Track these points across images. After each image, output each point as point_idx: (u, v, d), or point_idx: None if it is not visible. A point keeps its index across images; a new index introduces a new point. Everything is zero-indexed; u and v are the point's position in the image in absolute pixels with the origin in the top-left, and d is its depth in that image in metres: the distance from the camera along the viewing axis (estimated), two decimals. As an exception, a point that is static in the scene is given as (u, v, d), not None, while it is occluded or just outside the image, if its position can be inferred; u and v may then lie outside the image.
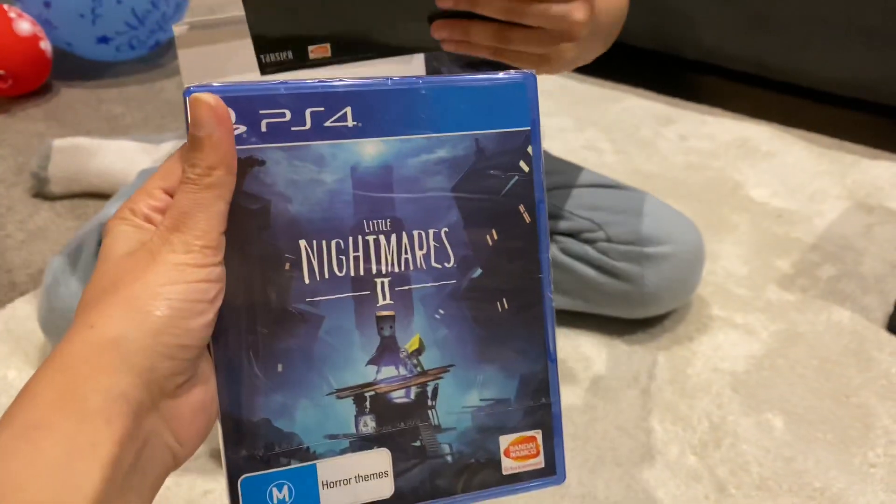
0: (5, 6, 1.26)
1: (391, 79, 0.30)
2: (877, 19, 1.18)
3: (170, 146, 1.06)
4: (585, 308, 0.84)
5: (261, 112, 0.28)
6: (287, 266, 0.29)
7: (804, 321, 0.88)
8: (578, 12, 0.51)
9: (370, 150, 0.30)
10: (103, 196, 1.06)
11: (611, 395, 0.77)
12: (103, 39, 1.33)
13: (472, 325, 0.31)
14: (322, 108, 0.29)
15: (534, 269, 0.32)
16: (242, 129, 0.28)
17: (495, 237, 0.32)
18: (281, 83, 0.29)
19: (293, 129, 0.29)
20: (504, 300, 0.32)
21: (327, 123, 0.29)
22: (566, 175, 0.88)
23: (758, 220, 1.06)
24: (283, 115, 0.29)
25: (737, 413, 0.75)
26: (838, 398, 0.77)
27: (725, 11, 1.30)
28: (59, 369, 0.25)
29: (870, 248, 1.01)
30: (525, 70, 0.32)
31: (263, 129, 0.28)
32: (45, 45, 1.29)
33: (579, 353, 0.82)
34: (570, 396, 0.77)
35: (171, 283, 0.26)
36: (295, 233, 0.29)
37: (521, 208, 0.32)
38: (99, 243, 0.74)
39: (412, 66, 0.77)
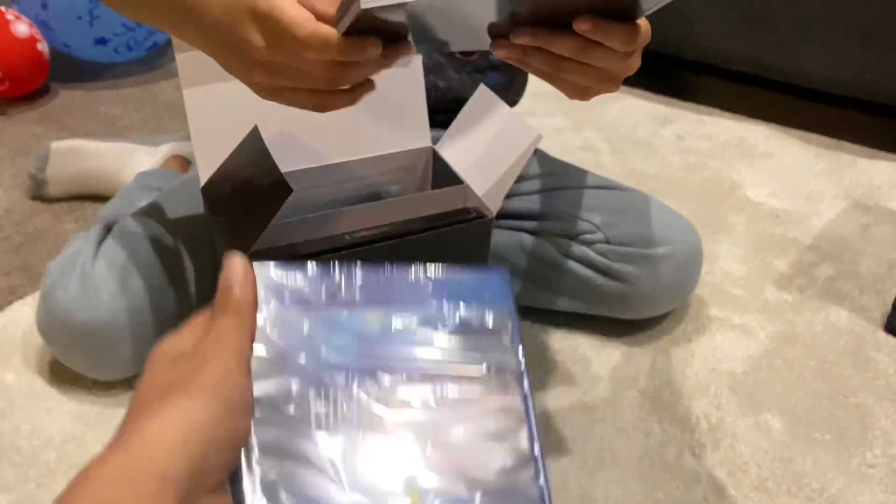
0: (2, 8, 1.25)
1: (395, 265, 0.37)
2: (874, 19, 1.19)
3: (168, 148, 1.06)
4: (584, 309, 0.84)
5: (284, 283, 0.35)
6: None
7: (802, 321, 0.88)
8: (636, 61, 0.53)
9: (374, 320, 0.36)
10: (102, 198, 1.06)
11: (609, 396, 0.77)
12: (101, 41, 1.33)
13: None
14: (336, 282, 0.36)
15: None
16: (272, 298, 0.35)
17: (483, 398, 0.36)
18: (306, 261, 0.36)
19: (311, 299, 0.35)
20: None
21: (341, 296, 0.36)
22: (564, 177, 0.88)
23: (755, 220, 1.06)
24: (303, 288, 0.36)
25: (735, 414, 0.75)
26: (836, 399, 0.78)
27: (723, 11, 1.30)
28: (124, 450, 0.27)
29: (867, 247, 1.01)
30: (501, 268, 0.39)
31: (286, 297, 0.35)
32: (43, 47, 1.29)
33: (578, 355, 0.82)
34: (569, 398, 0.77)
35: (224, 382, 0.30)
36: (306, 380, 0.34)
37: (507, 378, 0.36)
38: (98, 246, 0.74)
39: (411, 68, 0.77)
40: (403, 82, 0.77)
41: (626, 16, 0.49)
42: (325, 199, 0.78)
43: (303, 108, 0.51)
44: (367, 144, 0.77)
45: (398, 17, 0.45)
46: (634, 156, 1.22)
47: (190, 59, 0.68)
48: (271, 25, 0.46)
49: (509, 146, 0.71)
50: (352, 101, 0.52)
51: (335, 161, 0.76)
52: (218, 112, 0.71)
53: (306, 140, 0.75)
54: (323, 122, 0.75)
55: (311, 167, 0.75)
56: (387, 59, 0.48)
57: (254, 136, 0.65)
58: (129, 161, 1.05)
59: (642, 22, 0.50)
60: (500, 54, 0.52)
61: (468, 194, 0.72)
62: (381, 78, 0.76)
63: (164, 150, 1.05)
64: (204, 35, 0.52)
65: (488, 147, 0.73)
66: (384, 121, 0.77)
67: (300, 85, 0.49)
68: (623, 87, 1.45)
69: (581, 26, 0.47)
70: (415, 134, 0.78)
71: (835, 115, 1.38)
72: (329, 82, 0.48)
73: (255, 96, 0.72)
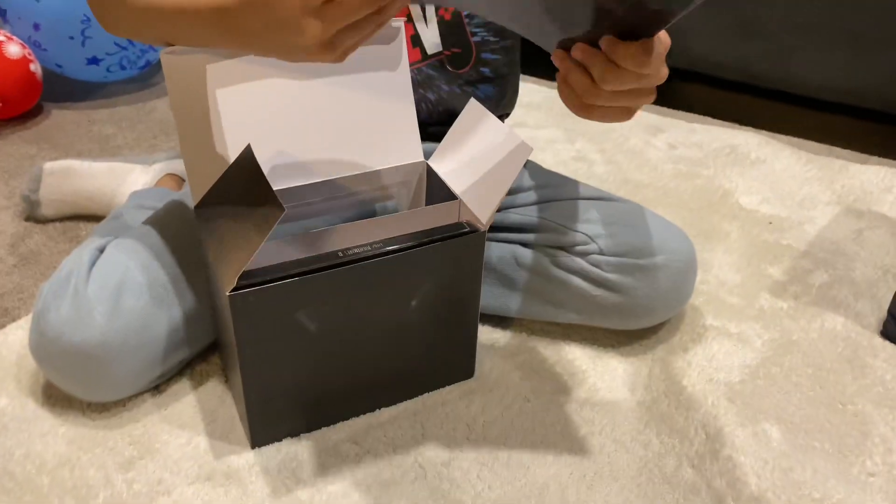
0: (-6, 30, 1.26)
1: None
2: (862, 24, 1.19)
3: (162, 166, 1.06)
4: (579, 320, 0.84)
5: None
6: None
7: (797, 329, 0.88)
8: (665, 69, 0.56)
9: None
10: (95, 218, 1.05)
11: (606, 408, 0.77)
12: (93, 60, 1.33)
13: None
14: None
15: None
16: None
17: None
18: None
19: None
20: None
21: None
22: (558, 188, 0.88)
23: (748, 227, 1.06)
24: None
25: (733, 424, 0.75)
26: (834, 406, 0.78)
27: (712, 20, 1.31)
28: None
29: (861, 253, 1.01)
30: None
31: None
32: (35, 68, 1.29)
33: (574, 367, 0.82)
34: (566, 410, 0.77)
35: None
36: None
37: None
38: (91, 267, 0.74)
39: (399, 83, 0.77)
40: (393, 97, 0.77)
41: (642, 33, 0.51)
42: (318, 215, 0.78)
43: (370, 37, 0.52)
44: (360, 160, 0.77)
45: None
46: (627, 165, 1.22)
47: (179, 79, 0.68)
48: None
49: (501, 160, 0.71)
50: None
51: (328, 178, 0.76)
52: (208, 131, 0.71)
53: (299, 157, 0.75)
54: (316, 140, 0.75)
55: (304, 184, 0.76)
56: None
57: (246, 155, 0.65)
58: (124, 180, 1.05)
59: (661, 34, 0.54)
60: (559, 64, 0.58)
61: (461, 209, 0.72)
62: (371, 94, 0.77)
63: (158, 169, 1.05)
64: (237, 36, 0.54)
65: (480, 161, 0.74)
66: (376, 136, 0.77)
67: (352, 16, 0.49)
68: (615, 97, 1.46)
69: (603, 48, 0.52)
70: (407, 149, 0.78)
71: (825, 121, 1.38)
72: None
73: (246, 115, 0.72)
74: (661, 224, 0.84)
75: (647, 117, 1.37)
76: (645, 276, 0.80)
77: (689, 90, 1.51)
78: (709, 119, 1.37)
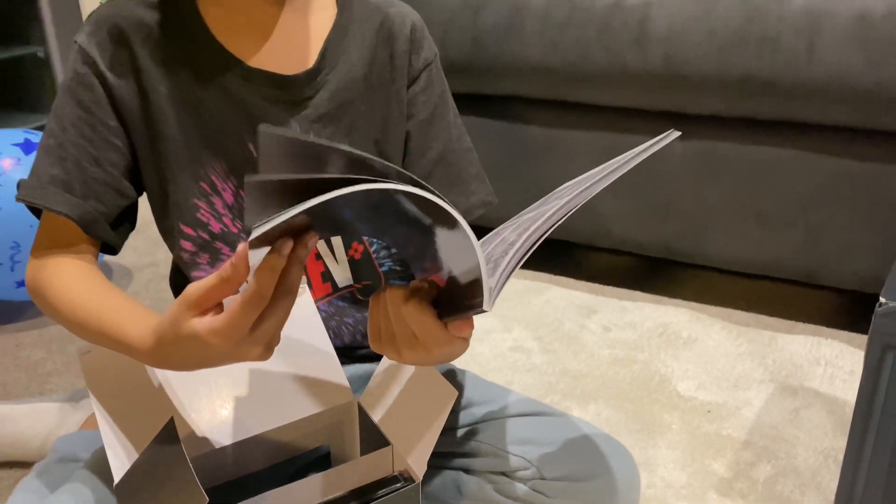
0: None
1: None
2: (764, 205, 1.27)
3: (87, 403, 1.02)
4: (528, 550, 0.81)
5: None
6: None
7: (748, 533, 0.87)
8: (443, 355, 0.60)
9: None
10: (19, 464, 1.00)
11: None
12: (23, 283, 1.32)
13: None
14: None
15: None
16: None
17: None
18: None
19: None
20: None
21: None
22: (494, 404, 0.87)
23: (688, 417, 1.07)
24: None
25: None
26: None
27: (627, 204, 1.38)
28: None
29: (800, 436, 1.02)
30: None
31: None
32: (-40, 298, 1.27)
33: None
34: None
35: None
36: None
37: None
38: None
39: (312, 325, 0.78)
40: (310, 340, 0.77)
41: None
42: (251, 472, 0.76)
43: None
44: (289, 410, 0.76)
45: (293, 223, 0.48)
46: (564, 353, 1.23)
47: (98, 377, 0.69)
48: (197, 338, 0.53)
49: (428, 405, 0.71)
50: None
51: (261, 431, 0.75)
52: (128, 405, 0.69)
53: (227, 418, 0.73)
54: (241, 398, 0.74)
55: (233, 442, 0.73)
56: (298, 252, 0.51)
57: (167, 431, 0.64)
58: (47, 423, 1.00)
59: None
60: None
61: (395, 457, 0.71)
62: (287, 343, 0.77)
63: (84, 408, 1.01)
64: (179, 366, 0.60)
65: (408, 406, 0.73)
66: (301, 382, 0.77)
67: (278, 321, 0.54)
68: (546, 276, 1.50)
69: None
70: (334, 388, 0.78)
71: (749, 288, 1.44)
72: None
73: (171, 385, 0.71)
74: (600, 441, 0.83)
75: (580, 297, 1.41)
76: (587, 499, 0.79)
77: (618, 263, 1.57)
78: (639, 293, 1.42)
